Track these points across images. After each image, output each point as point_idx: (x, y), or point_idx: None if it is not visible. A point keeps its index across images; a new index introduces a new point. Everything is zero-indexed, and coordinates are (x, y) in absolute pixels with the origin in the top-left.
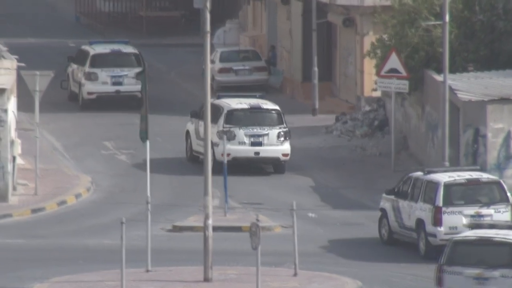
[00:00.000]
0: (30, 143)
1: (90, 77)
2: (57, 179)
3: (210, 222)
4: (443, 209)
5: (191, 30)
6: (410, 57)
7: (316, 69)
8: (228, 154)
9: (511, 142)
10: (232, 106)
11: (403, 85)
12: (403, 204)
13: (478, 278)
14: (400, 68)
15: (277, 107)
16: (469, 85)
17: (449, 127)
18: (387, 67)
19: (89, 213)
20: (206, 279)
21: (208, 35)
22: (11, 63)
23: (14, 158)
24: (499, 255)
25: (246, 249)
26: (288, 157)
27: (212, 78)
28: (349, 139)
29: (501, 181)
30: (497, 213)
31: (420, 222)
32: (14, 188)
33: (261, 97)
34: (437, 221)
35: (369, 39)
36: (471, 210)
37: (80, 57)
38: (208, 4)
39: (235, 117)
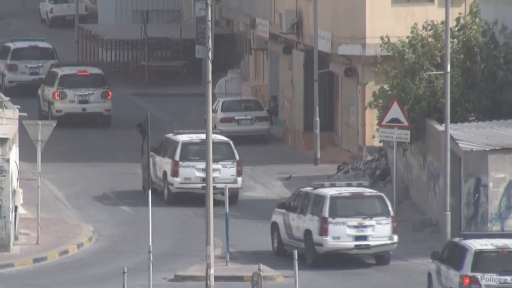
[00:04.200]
0: (32, 193)
1: (11, 68)
2: (59, 229)
3: (212, 271)
4: (180, 163)
5: (193, 79)
6: (411, 109)
7: (317, 119)
8: (61, 111)
9: None
10: (65, 72)
11: (405, 135)
12: (157, 160)
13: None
14: (402, 118)
15: (100, 72)
16: (470, 135)
17: (450, 177)
18: (388, 117)
19: (91, 262)
20: None
21: (210, 85)
22: (13, 112)
23: (16, 208)
24: None
25: None
26: (110, 112)
27: (214, 128)
28: None
29: (231, 142)
30: (224, 168)
31: (164, 174)
32: (16, 238)
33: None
34: (175, 173)
35: (371, 89)
36: (202, 165)
37: (3, 52)
38: (210, 54)
39: (66, 81)
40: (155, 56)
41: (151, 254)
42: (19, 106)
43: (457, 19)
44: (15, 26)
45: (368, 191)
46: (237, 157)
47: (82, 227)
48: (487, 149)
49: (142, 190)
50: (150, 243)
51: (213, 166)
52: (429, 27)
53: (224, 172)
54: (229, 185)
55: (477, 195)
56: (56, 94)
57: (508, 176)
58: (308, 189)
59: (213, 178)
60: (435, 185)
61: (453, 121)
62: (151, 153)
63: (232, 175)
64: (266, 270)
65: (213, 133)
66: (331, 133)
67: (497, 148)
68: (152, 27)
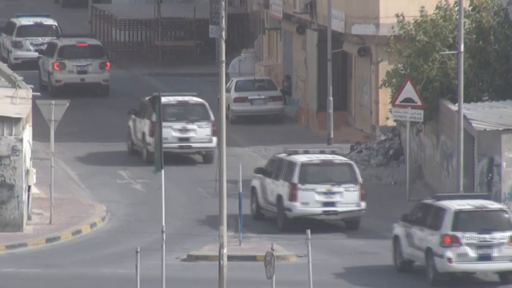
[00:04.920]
0: (45, 172)
1: (17, 45)
2: (72, 209)
3: (225, 251)
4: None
5: (207, 59)
6: (424, 89)
7: (331, 98)
8: (60, 81)
9: None
10: (64, 43)
11: (418, 115)
12: (137, 122)
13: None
14: (415, 97)
15: (98, 43)
16: (484, 115)
17: (464, 156)
18: (402, 96)
19: (104, 242)
20: None
21: (224, 65)
22: (26, 92)
23: (29, 188)
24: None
25: (261, 278)
26: (108, 83)
27: (228, 107)
28: (364, 168)
29: (206, 103)
30: (200, 129)
31: (143, 135)
32: (29, 218)
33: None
34: (152, 133)
35: (384, 69)
36: (178, 125)
37: (8, 28)
38: (224, 34)
39: (66, 52)
40: (169, 36)
41: (164, 234)
42: (32, 86)
43: None
44: (28, 6)
45: (338, 159)
46: (212, 118)
47: (95, 206)
48: (500, 128)
49: (153, 170)
50: (163, 223)
51: (189, 126)
52: (442, 8)
53: (199, 132)
54: (204, 145)
55: (490, 174)
56: (55, 64)
57: None
58: (283, 155)
59: (189, 138)
60: (448, 164)
61: (467, 101)
62: (133, 116)
63: (207, 135)
64: (279, 250)
65: (190, 95)
66: (344, 113)
67: (510, 127)
68: (165, 7)
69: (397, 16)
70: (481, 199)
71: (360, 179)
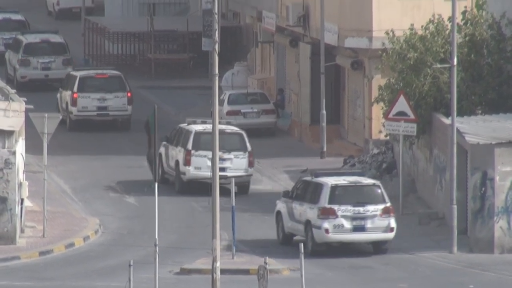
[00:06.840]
0: (38, 185)
1: None
2: (65, 222)
3: (218, 265)
4: (79, 94)
5: (200, 72)
6: (418, 105)
7: (324, 112)
8: (25, 77)
9: None
10: (29, 40)
11: (411, 128)
12: (63, 94)
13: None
14: (408, 111)
15: (62, 40)
16: (477, 128)
17: (457, 170)
18: (395, 110)
19: (97, 255)
20: None
21: (217, 78)
22: (19, 105)
23: (22, 201)
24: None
25: None
26: None
27: (220, 118)
28: None
29: (122, 75)
30: (117, 99)
31: (66, 105)
32: (22, 231)
33: (54, 32)
34: (74, 103)
35: (377, 82)
36: (97, 95)
37: None
38: (217, 47)
39: (30, 49)
40: (161, 49)
41: (157, 247)
42: (25, 99)
43: (463, 13)
44: None
45: (229, 129)
46: (128, 88)
47: (88, 220)
48: (493, 142)
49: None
50: (156, 236)
51: (107, 96)
52: (434, 22)
53: (116, 101)
54: (120, 112)
55: (483, 188)
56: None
57: None
58: (184, 125)
59: (107, 107)
60: (442, 178)
61: (460, 114)
62: (60, 88)
63: (123, 104)
64: (272, 263)
65: (109, 69)
66: (337, 126)
67: (503, 141)
68: (158, 20)
69: (387, 33)
70: (356, 175)
71: (249, 148)
